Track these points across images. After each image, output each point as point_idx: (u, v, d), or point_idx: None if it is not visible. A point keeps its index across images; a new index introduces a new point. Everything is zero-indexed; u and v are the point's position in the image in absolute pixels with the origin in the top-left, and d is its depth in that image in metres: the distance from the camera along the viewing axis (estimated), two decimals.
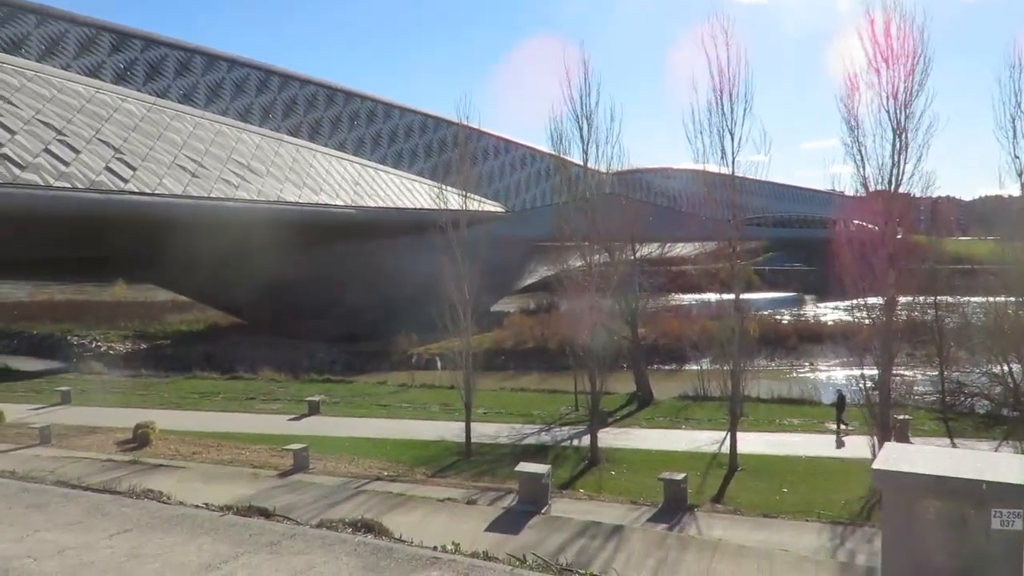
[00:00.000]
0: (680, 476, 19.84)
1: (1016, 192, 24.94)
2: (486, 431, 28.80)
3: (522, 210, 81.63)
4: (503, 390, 39.24)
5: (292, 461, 24.21)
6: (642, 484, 22.23)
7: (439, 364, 49.64)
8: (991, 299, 31.56)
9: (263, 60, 65.52)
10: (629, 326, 36.71)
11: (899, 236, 24.35)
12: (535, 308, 73.53)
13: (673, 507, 19.15)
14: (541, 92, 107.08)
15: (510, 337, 56.62)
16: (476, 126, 31.00)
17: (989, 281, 32.99)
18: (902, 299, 25.96)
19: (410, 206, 62.95)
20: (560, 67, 26.09)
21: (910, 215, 24.20)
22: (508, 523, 15.54)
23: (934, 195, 25.54)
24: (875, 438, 23.42)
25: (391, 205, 62.35)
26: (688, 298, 69.40)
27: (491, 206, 69.74)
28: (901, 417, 28.16)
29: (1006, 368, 29.36)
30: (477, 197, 32.94)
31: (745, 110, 23.74)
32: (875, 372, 25.01)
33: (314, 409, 33.46)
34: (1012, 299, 28.60)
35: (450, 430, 28.60)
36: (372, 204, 60.82)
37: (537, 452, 26.44)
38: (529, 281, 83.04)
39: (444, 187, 29.26)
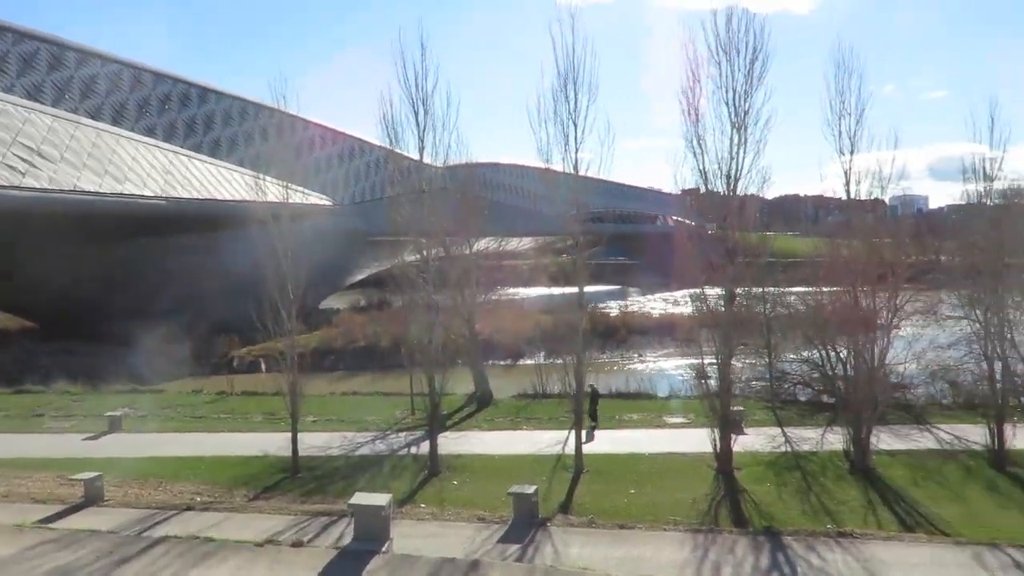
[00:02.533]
0: (531, 489, 18.18)
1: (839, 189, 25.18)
2: (315, 442, 26.13)
3: (352, 203, 78.36)
4: (333, 395, 36.59)
5: (83, 492, 20.44)
6: (488, 494, 20.47)
7: (263, 367, 45.90)
8: (811, 290, 32.44)
9: (59, 34, 58.09)
10: (466, 322, 35.13)
11: (711, 232, 24.20)
12: (367, 305, 70.62)
13: (524, 523, 17.45)
14: (375, 88, 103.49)
15: (340, 336, 53.65)
16: (296, 112, 28.07)
17: (807, 274, 34.00)
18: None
19: (229, 198, 57.99)
20: (396, 48, 23.60)
21: (748, 212, 23.93)
22: (344, 570, 13.13)
23: (759, 192, 25.38)
24: (716, 431, 23.07)
25: (207, 196, 57.17)
26: (521, 292, 68.97)
27: (317, 199, 66.05)
28: (736, 408, 28.19)
29: (824, 355, 30.17)
30: (301, 189, 30.02)
31: (590, 100, 22.57)
32: (702, 362, 24.77)
33: (115, 425, 29.20)
34: (828, 289, 29.45)
35: (275, 443, 25.65)
36: (186, 195, 55.45)
37: (372, 464, 24.13)
38: (360, 276, 79.99)
39: (263, 178, 26.13)
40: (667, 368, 48.45)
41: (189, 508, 19.41)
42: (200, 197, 56.33)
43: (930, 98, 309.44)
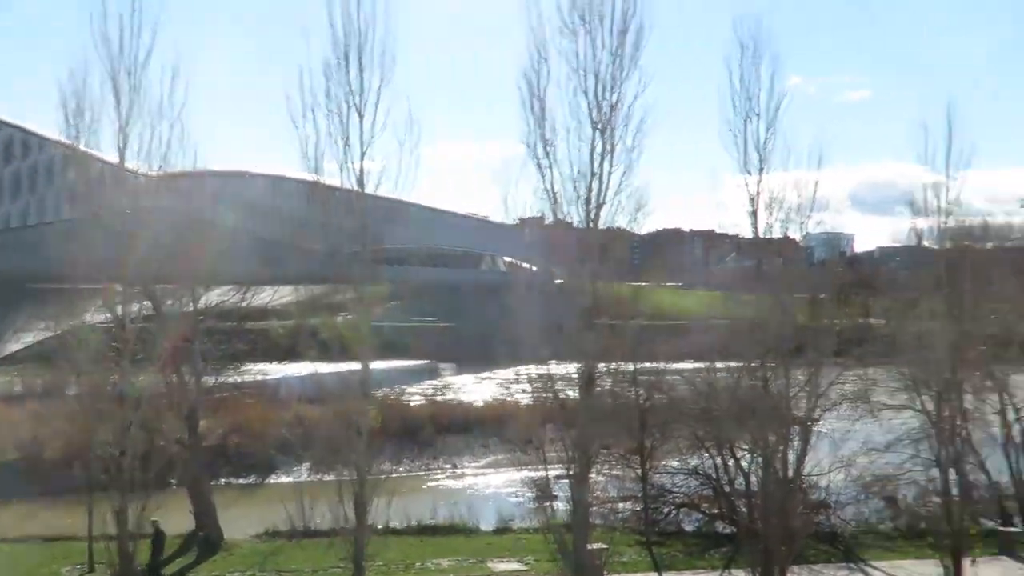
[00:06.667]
0: None
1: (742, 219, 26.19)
2: None
3: (3, 229, 74.22)
4: None
5: None
6: None
7: None
8: (702, 366, 33.35)
9: None
10: (184, 420, 33.74)
11: (561, 281, 24.62)
12: (24, 392, 66.37)
13: None
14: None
15: None
16: None
17: (698, 343, 34.95)
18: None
19: None
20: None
21: (615, 252, 24.38)
22: None
23: (631, 225, 26.00)
24: None
25: None
26: (274, 371, 67.29)
27: None
28: (595, 546, 28.31)
29: (719, 463, 31.02)
30: None
31: (383, 81, 22.24)
32: (547, 475, 24.87)
33: None
34: (725, 366, 30.41)
35: None
36: None
37: None
38: (15, 347, 75.49)
39: None
40: (495, 485, 48.43)
41: None
42: None
43: (849, 100, 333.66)
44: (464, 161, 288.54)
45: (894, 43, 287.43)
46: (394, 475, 46.51)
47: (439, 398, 73.82)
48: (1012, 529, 33.99)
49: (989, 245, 43.08)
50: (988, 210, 54.88)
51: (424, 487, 48.07)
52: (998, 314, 34.68)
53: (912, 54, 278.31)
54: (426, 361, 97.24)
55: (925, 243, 32.83)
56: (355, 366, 23.73)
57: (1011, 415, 36.05)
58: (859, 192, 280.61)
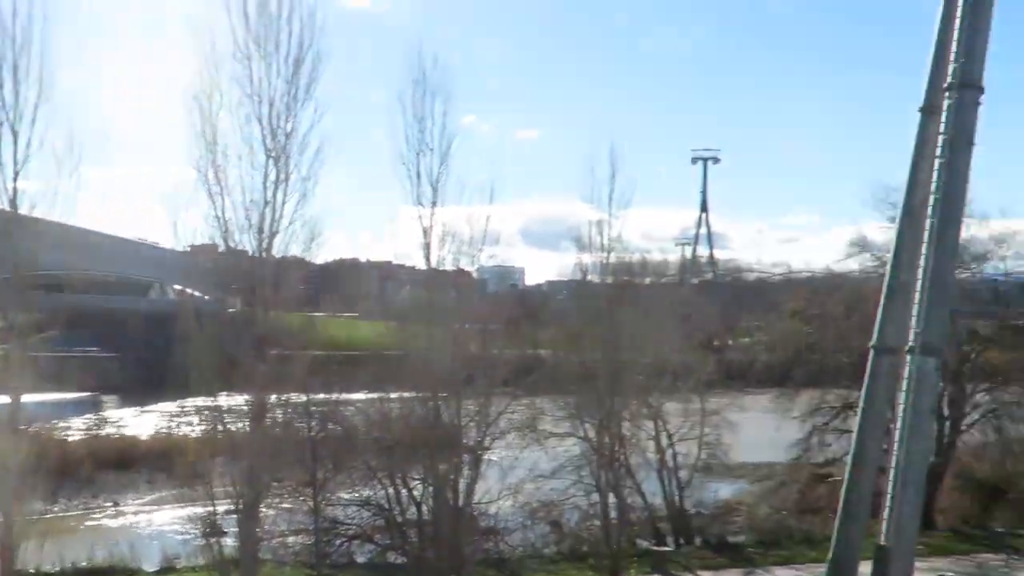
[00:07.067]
0: None
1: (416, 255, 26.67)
2: None
3: None
4: None
5: None
6: None
7: None
8: (376, 397, 33.58)
9: None
10: None
11: (233, 310, 24.36)
12: None
13: None
14: None
15: None
16: None
17: (374, 373, 35.14)
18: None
19: None
20: None
21: (287, 282, 24.13)
22: None
23: (305, 254, 25.95)
24: None
25: None
26: None
27: None
28: None
29: (392, 493, 31.23)
30: None
31: (41, 95, 21.08)
32: (215, 511, 24.33)
33: None
34: (399, 396, 30.76)
35: None
36: None
37: None
38: None
39: None
40: (160, 523, 46.58)
41: None
42: None
43: (520, 138, 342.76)
44: (136, 184, 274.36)
45: (562, 86, 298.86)
46: (48, 515, 43.84)
47: (101, 432, 70.26)
48: (665, 548, 36.36)
49: (647, 280, 46.06)
50: (646, 247, 58.89)
51: (82, 527, 45.41)
52: (654, 345, 36.76)
53: (579, 97, 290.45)
54: (87, 393, 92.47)
55: (589, 277, 34.52)
56: (5, 399, 22.32)
57: (664, 441, 38.60)
58: (530, 227, 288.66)
